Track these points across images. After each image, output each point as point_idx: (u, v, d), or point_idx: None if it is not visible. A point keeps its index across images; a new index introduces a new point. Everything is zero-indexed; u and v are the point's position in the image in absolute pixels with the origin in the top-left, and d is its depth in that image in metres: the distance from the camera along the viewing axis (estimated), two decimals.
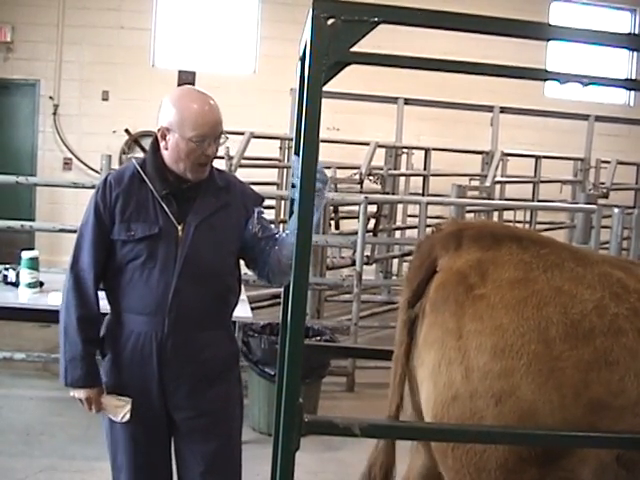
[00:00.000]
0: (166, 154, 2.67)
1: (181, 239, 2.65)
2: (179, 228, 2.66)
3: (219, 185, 2.78)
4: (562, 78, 2.14)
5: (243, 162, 7.61)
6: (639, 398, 2.12)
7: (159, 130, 2.66)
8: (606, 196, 9.29)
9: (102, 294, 2.78)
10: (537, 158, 10.00)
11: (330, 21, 1.91)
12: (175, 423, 2.77)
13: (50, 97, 10.39)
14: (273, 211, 8.58)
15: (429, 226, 6.90)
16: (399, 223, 9.62)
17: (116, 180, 2.70)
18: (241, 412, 2.92)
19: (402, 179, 9.61)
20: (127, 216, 2.65)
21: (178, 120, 2.61)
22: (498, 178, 9.14)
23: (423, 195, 9.00)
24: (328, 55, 1.92)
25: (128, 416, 2.68)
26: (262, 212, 2.87)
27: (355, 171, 7.93)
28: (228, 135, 2.76)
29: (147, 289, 2.65)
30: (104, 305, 2.79)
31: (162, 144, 2.67)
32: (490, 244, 2.37)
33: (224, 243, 2.75)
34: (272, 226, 2.89)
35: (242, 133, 7.72)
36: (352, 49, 1.95)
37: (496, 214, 9.05)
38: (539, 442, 2.15)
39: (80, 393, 2.70)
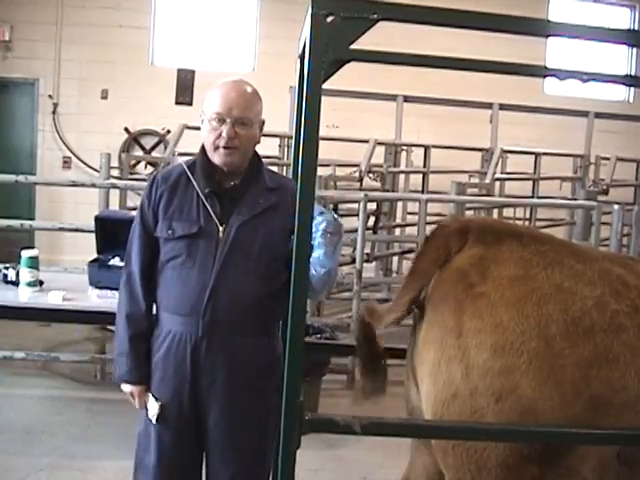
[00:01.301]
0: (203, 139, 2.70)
1: (221, 240, 2.61)
2: (220, 228, 2.61)
3: (269, 186, 2.72)
4: (562, 75, 2.14)
5: None
6: None
7: (200, 115, 2.70)
8: (606, 193, 9.26)
9: None
10: (537, 155, 9.99)
11: (329, 19, 1.91)
12: (205, 429, 2.69)
13: (49, 96, 10.38)
14: None
15: (429, 223, 6.90)
16: (399, 220, 9.60)
17: (163, 178, 2.71)
18: (276, 425, 2.67)
19: (402, 176, 9.60)
20: (169, 214, 2.65)
21: (206, 101, 2.65)
22: (498, 175, 9.11)
23: (423, 192, 8.99)
24: (327, 53, 1.92)
25: (154, 419, 2.68)
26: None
27: (355, 169, 7.91)
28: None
29: (184, 289, 2.62)
30: None
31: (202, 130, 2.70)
32: (490, 241, 2.37)
33: (267, 246, 2.65)
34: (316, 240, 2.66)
35: None
36: (351, 46, 1.95)
37: (496, 211, 9.03)
38: (540, 439, 2.15)
39: (125, 387, 2.75)
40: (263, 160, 2.81)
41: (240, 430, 2.69)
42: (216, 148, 2.62)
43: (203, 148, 2.70)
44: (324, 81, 1.95)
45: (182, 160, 2.79)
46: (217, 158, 2.64)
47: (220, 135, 2.60)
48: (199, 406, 2.67)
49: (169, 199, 2.66)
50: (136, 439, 2.79)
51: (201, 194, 2.64)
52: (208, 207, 2.63)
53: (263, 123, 2.74)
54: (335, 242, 2.62)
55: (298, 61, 2.54)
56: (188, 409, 2.66)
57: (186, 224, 2.62)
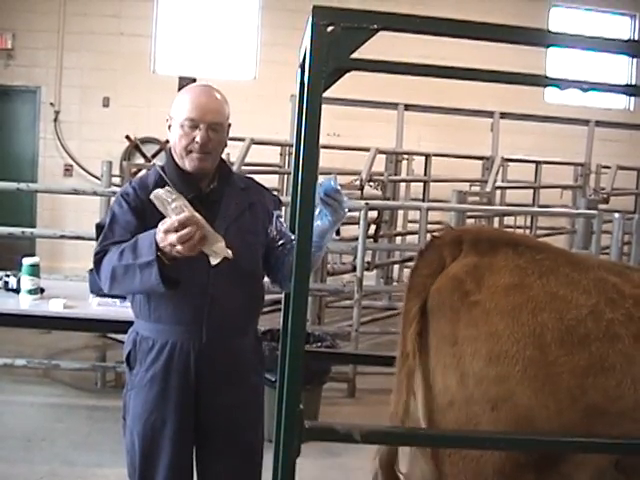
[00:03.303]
0: (171, 144, 2.67)
1: None
2: None
3: (240, 186, 2.77)
4: (562, 84, 2.14)
5: (243, 168, 7.61)
6: (637, 404, 2.12)
7: (167, 120, 2.68)
8: (607, 201, 9.28)
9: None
10: (537, 163, 10.00)
11: (330, 28, 1.91)
12: (204, 430, 2.69)
13: (51, 104, 10.42)
14: None
15: (430, 232, 6.90)
16: (400, 229, 9.61)
17: (140, 188, 2.64)
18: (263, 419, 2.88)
19: (402, 185, 9.61)
20: (156, 224, 2.50)
21: (175, 106, 2.63)
22: (498, 183, 9.12)
23: (424, 201, 8.99)
24: (328, 62, 1.92)
25: (229, 251, 2.35)
26: (281, 216, 2.85)
27: (356, 177, 7.92)
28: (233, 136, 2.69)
29: (184, 297, 2.57)
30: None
31: (169, 135, 2.67)
32: (486, 250, 2.37)
33: (253, 245, 2.71)
34: (288, 232, 2.81)
35: (242, 139, 7.72)
36: (352, 56, 1.95)
37: (497, 220, 9.04)
38: (536, 447, 2.15)
39: (170, 236, 2.28)
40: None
41: (238, 428, 2.72)
42: (188, 153, 2.60)
43: (172, 154, 2.67)
44: (324, 90, 1.95)
45: (153, 168, 2.75)
46: (189, 163, 2.62)
47: (193, 140, 2.58)
48: (200, 411, 2.66)
49: (153, 208, 2.52)
50: (136, 459, 2.69)
51: None
52: None
53: (229, 127, 2.73)
54: (335, 208, 2.55)
55: (299, 70, 2.54)
56: (190, 417, 2.65)
57: None
